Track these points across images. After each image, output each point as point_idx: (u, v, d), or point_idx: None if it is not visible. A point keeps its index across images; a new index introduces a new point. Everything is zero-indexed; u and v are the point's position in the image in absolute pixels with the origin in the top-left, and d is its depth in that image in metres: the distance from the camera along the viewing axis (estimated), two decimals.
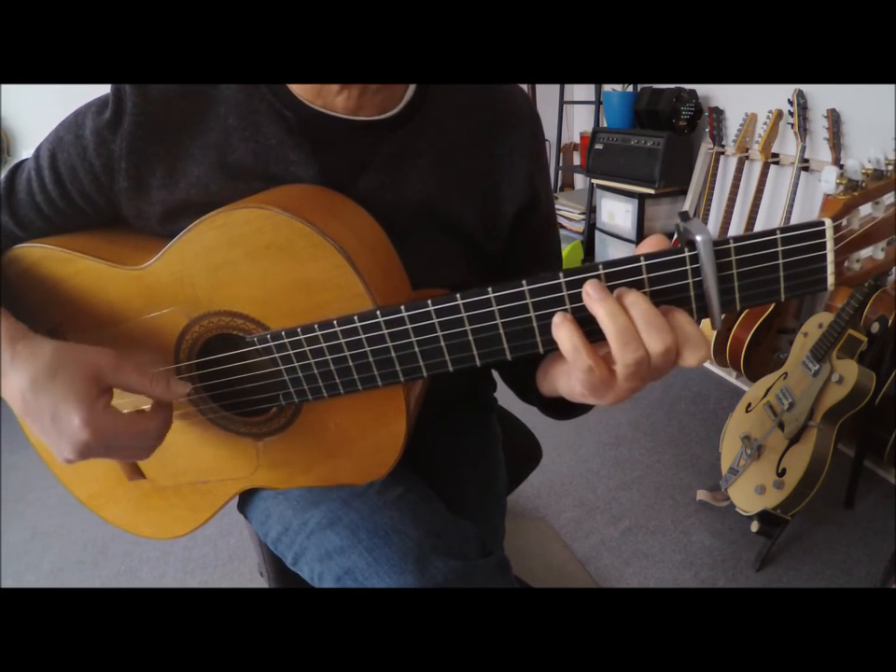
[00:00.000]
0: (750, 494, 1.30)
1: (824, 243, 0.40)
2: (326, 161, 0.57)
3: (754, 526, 1.32)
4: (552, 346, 0.44)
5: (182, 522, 0.68)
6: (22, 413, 0.49)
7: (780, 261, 0.40)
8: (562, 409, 0.61)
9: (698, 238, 0.40)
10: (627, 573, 1.35)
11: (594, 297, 0.41)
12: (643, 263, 0.41)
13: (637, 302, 0.41)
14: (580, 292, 0.42)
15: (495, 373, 0.85)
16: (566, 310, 0.43)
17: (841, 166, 1.82)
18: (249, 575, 1.40)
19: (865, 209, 0.43)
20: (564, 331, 0.42)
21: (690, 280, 0.41)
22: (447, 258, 0.63)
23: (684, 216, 0.42)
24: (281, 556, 0.66)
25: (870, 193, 0.43)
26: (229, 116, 0.56)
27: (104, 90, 0.56)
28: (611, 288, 0.42)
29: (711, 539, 1.42)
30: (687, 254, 0.41)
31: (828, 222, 0.39)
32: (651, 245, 0.43)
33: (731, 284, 0.41)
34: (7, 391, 0.49)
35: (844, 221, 0.41)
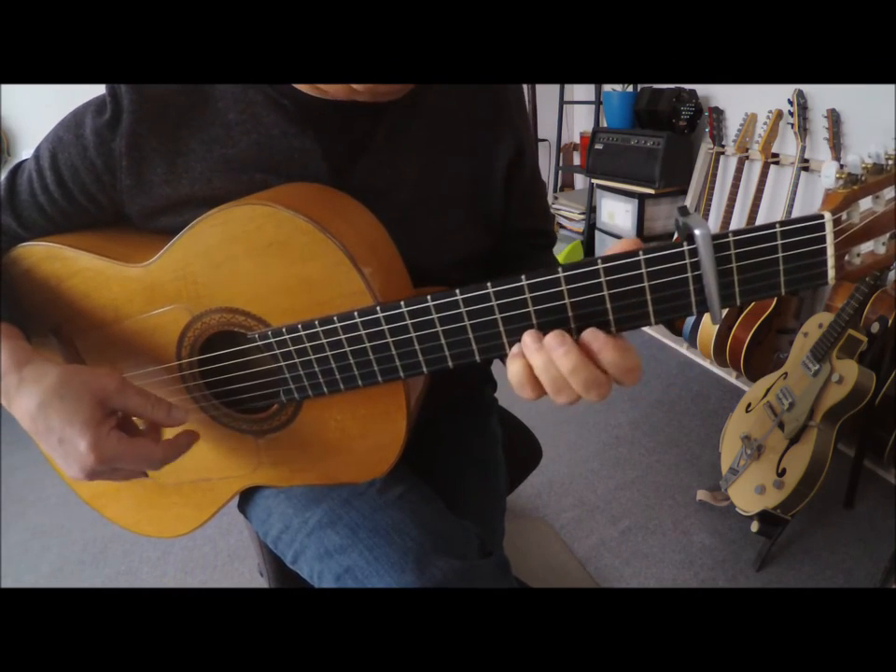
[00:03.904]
0: (750, 494, 1.30)
1: (824, 236, 0.39)
2: (327, 145, 0.58)
3: (754, 526, 1.32)
4: None
5: (184, 520, 0.68)
6: (32, 432, 0.50)
7: (780, 255, 0.40)
8: None
9: (697, 232, 0.39)
10: (627, 573, 1.34)
11: (530, 347, 0.43)
12: (642, 258, 0.41)
13: (564, 358, 0.41)
14: (578, 287, 0.42)
15: (496, 373, 0.85)
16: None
17: (842, 166, 1.83)
18: (249, 575, 1.40)
19: (865, 203, 0.43)
20: (514, 366, 0.44)
21: (689, 274, 0.41)
22: (448, 231, 0.65)
23: (683, 210, 0.42)
24: (281, 555, 0.66)
25: (870, 187, 0.43)
26: (228, 111, 0.56)
27: (102, 90, 0.56)
28: (612, 283, 0.42)
29: (711, 539, 1.42)
30: (686, 248, 0.40)
31: (827, 215, 0.39)
32: (623, 247, 0.42)
33: (731, 278, 0.41)
34: (16, 413, 0.50)
35: (844, 215, 0.41)
